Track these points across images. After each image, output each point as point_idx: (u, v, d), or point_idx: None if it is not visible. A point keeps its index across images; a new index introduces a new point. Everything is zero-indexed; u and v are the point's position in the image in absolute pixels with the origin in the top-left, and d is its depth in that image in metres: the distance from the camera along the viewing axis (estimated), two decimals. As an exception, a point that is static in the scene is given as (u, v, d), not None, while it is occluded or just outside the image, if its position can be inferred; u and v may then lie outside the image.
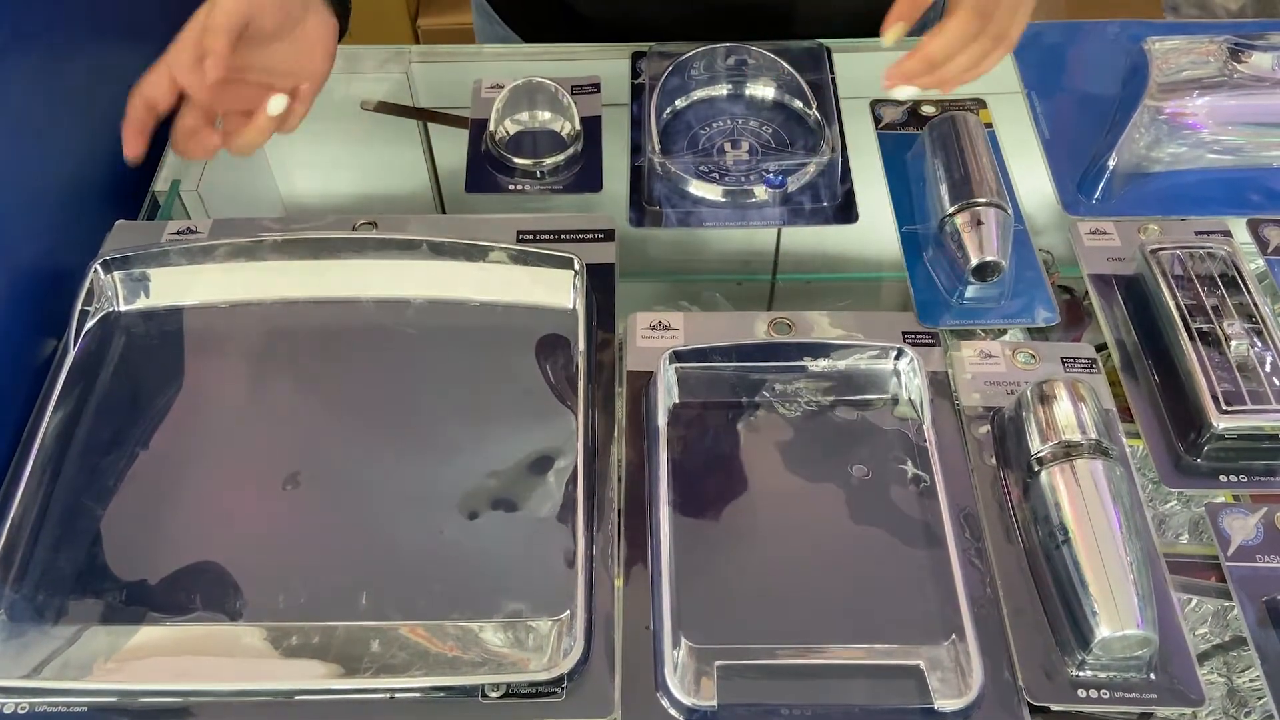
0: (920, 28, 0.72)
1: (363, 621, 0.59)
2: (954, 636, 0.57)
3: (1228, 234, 0.75)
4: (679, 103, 0.85)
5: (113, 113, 0.80)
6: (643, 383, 0.68)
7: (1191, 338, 0.67)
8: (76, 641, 0.58)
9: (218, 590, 0.60)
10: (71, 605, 0.60)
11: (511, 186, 0.80)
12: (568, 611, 0.58)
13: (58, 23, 0.73)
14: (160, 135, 0.83)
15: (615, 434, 0.66)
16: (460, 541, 0.62)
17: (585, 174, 0.81)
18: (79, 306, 0.70)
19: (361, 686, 0.56)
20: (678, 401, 0.68)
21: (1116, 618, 0.55)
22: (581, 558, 0.59)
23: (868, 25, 0.93)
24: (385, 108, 0.87)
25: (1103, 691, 0.56)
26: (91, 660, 0.57)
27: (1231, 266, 0.71)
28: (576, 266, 0.72)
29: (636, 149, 0.81)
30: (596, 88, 0.85)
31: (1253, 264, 0.73)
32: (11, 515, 0.61)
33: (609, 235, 0.75)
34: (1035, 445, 0.62)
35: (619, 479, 0.64)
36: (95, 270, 0.71)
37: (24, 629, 0.59)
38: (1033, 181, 0.80)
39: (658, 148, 0.79)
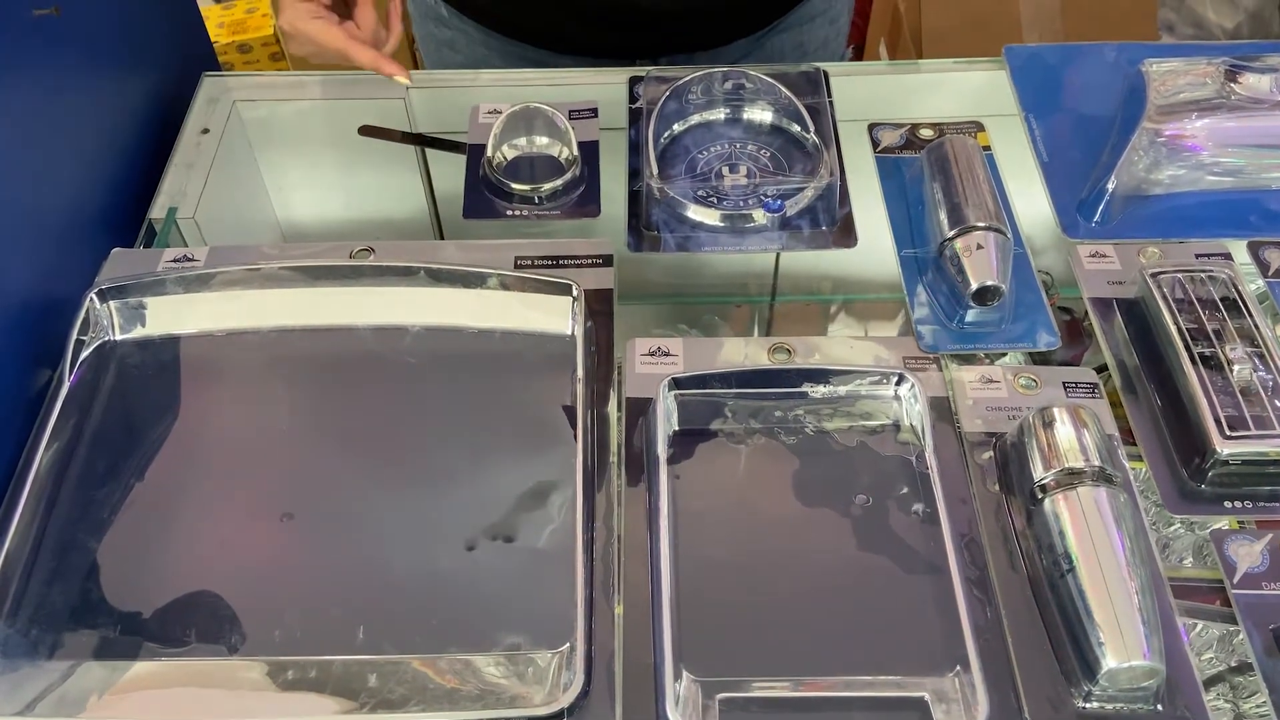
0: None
1: (360, 655, 0.58)
2: (958, 667, 0.57)
3: (1228, 256, 0.75)
4: (676, 127, 0.85)
5: (109, 140, 0.80)
6: (642, 409, 0.68)
7: (1193, 361, 0.67)
8: (71, 676, 0.58)
9: (214, 624, 0.59)
10: (67, 639, 0.59)
11: (509, 212, 0.80)
12: (568, 644, 0.57)
13: (55, 51, 0.73)
14: (158, 164, 0.83)
15: (614, 461, 0.66)
16: (458, 573, 0.61)
17: (583, 199, 0.80)
18: (74, 336, 0.70)
19: (359, 721, 0.56)
20: (677, 428, 0.67)
21: (1123, 648, 0.55)
22: (581, 588, 0.59)
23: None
24: (377, 132, 0.87)
25: (1109, 722, 0.55)
26: (86, 695, 0.57)
27: (1232, 289, 0.71)
28: (575, 292, 0.71)
29: (634, 173, 0.81)
30: (594, 112, 0.85)
31: (1253, 285, 0.73)
32: (6, 548, 0.60)
33: (607, 260, 0.75)
34: (1038, 472, 0.62)
35: (618, 507, 0.64)
36: (91, 299, 0.71)
37: (18, 664, 0.58)
38: (1031, 204, 0.79)
39: (655, 172, 0.79)
